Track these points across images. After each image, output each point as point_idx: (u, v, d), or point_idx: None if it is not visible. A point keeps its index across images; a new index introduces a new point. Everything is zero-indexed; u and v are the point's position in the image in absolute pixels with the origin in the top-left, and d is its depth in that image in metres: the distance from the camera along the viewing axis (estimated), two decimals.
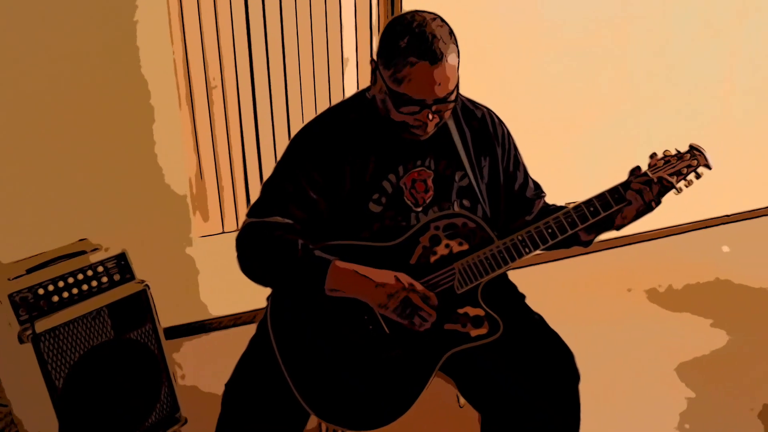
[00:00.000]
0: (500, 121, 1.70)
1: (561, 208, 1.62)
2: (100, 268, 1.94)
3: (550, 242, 1.53)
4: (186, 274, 2.78)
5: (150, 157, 2.61)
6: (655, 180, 1.51)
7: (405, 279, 1.46)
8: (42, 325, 1.79)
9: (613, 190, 1.52)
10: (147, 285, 2.00)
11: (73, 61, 2.41)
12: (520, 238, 1.52)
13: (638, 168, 1.54)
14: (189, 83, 2.66)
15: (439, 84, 1.42)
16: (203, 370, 2.57)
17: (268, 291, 1.59)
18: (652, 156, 1.56)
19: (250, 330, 1.67)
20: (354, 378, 1.51)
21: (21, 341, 1.76)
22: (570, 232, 1.53)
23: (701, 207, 3.87)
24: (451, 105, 1.49)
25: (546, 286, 3.13)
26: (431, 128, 1.51)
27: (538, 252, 1.54)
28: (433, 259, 1.53)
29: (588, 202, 1.53)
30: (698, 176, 1.55)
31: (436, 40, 1.40)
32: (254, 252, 1.51)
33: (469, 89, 1.69)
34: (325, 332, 1.51)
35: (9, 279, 1.81)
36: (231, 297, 2.80)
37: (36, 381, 1.78)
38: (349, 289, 1.46)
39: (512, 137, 1.72)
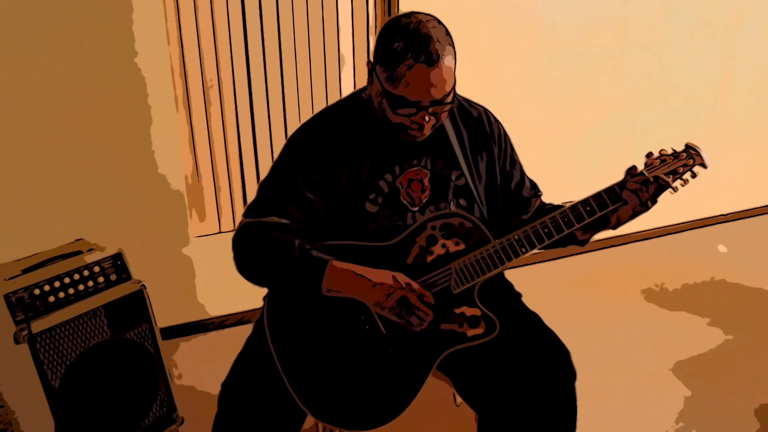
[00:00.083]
0: (496, 120, 1.70)
1: (557, 207, 1.62)
2: (97, 268, 1.94)
3: (547, 242, 1.53)
4: (183, 274, 2.78)
5: (147, 157, 2.60)
6: (651, 179, 1.51)
7: (402, 279, 1.46)
8: (38, 326, 1.78)
9: (610, 190, 1.53)
10: (143, 285, 1.99)
11: (70, 61, 2.41)
12: (516, 237, 1.52)
13: (634, 167, 1.54)
14: (186, 83, 2.65)
15: (436, 86, 1.42)
16: (200, 369, 2.57)
17: (264, 291, 1.59)
18: (648, 155, 1.56)
19: (247, 330, 1.67)
20: (350, 378, 1.50)
21: (17, 342, 1.75)
22: (566, 231, 1.53)
23: (697, 206, 3.87)
24: (448, 106, 1.49)
25: (542, 285, 3.13)
26: (428, 130, 1.51)
27: (534, 251, 1.54)
28: (429, 258, 1.53)
29: (584, 202, 1.53)
30: (694, 175, 1.55)
31: (433, 42, 1.40)
32: (251, 252, 1.50)
33: (465, 89, 1.70)
34: (322, 332, 1.51)
35: (5, 279, 1.81)
36: (228, 297, 2.80)
37: (32, 381, 1.77)
38: (346, 289, 1.46)
39: (508, 136, 1.72)
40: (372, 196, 1.56)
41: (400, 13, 1.52)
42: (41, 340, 1.79)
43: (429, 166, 1.60)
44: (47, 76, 2.39)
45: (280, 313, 1.53)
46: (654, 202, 1.52)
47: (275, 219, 1.50)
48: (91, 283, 1.92)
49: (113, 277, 1.97)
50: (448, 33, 1.46)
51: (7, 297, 1.77)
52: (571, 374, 1.56)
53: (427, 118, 1.46)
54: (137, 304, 1.98)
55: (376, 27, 2.89)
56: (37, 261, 1.90)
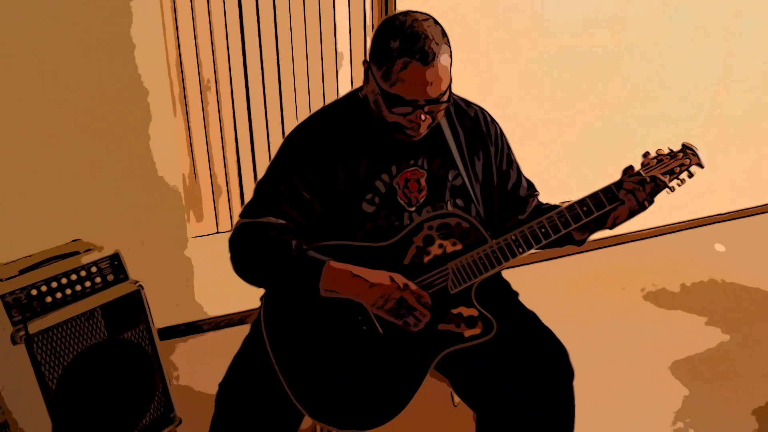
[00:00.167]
0: (493, 120, 1.70)
1: (554, 207, 1.62)
2: (94, 269, 1.93)
3: (544, 242, 1.53)
4: (180, 274, 2.77)
5: (144, 157, 2.60)
6: (648, 179, 1.51)
7: (399, 279, 1.46)
8: (35, 326, 1.78)
9: (606, 190, 1.52)
10: (141, 285, 1.99)
11: (67, 61, 2.40)
12: (513, 237, 1.52)
13: (631, 167, 1.54)
14: (183, 83, 2.64)
15: (432, 84, 1.42)
16: (197, 370, 2.56)
17: (261, 291, 1.59)
18: (645, 155, 1.56)
19: (244, 330, 1.67)
20: (348, 378, 1.50)
21: (14, 342, 1.75)
22: (563, 231, 1.53)
23: (695, 206, 3.87)
24: (444, 105, 1.49)
25: (539, 285, 3.13)
26: (424, 129, 1.51)
27: (531, 251, 1.54)
28: (426, 259, 1.53)
29: (581, 202, 1.53)
30: (691, 175, 1.55)
31: (429, 41, 1.40)
32: (248, 253, 1.50)
33: (462, 89, 1.69)
34: (319, 332, 1.51)
35: (2, 280, 1.80)
36: (225, 297, 2.79)
37: (29, 382, 1.77)
38: (343, 289, 1.46)
39: (505, 136, 1.72)
40: (369, 196, 1.56)
41: (397, 12, 1.51)
42: (38, 341, 1.79)
43: (426, 166, 1.60)
44: (44, 76, 2.38)
45: (278, 313, 1.53)
46: (651, 201, 1.52)
47: (272, 219, 1.50)
48: (88, 284, 1.92)
49: (110, 278, 1.96)
50: (444, 32, 1.46)
51: (3, 298, 1.76)
52: (568, 373, 1.56)
53: (423, 117, 1.46)
54: (134, 305, 1.98)
55: (373, 26, 2.89)
56: (34, 261, 1.90)
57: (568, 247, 1.68)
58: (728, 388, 2.45)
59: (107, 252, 1.98)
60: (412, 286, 1.47)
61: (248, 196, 1.57)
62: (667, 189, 1.53)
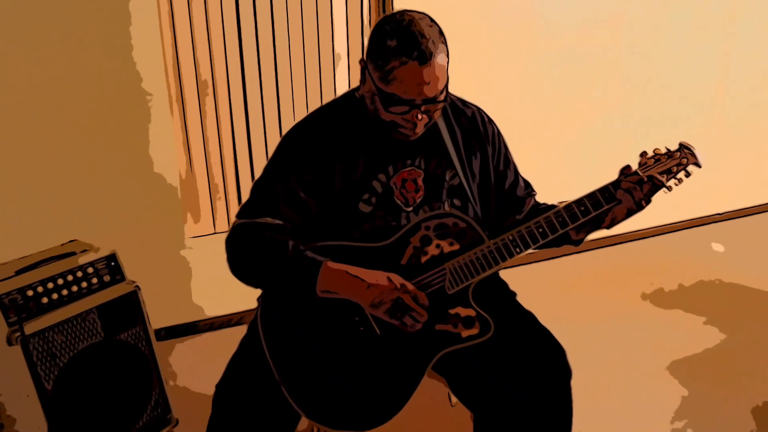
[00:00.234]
0: (490, 120, 1.70)
1: (551, 207, 1.62)
2: (90, 269, 1.93)
3: (541, 242, 1.53)
4: (177, 275, 2.77)
5: (141, 157, 2.60)
6: (645, 179, 1.51)
7: (397, 279, 1.46)
8: (31, 327, 1.78)
9: (604, 189, 1.52)
10: (137, 286, 1.99)
11: (63, 60, 2.40)
12: (510, 237, 1.52)
13: (628, 167, 1.54)
14: (180, 83, 2.64)
15: (429, 84, 1.42)
16: (195, 371, 2.56)
17: (258, 291, 1.59)
18: (642, 154, 1.56)
19: (242, 330, 1.66)
20: (345, 379, 1.50)
21: (10, 343, 1.75)
22: (560, 231, 1.53)
23: (693, 205, 3.87)
24: (441, 105, 1.49)
25: (537, 285, 3.11)
26: (420, 128, 1.51)
27: (529, 251, 1.54)
28: (423, 259, 1.52)
29: (578, 201, 1.52)
30: (688, 175, 1.55)
31: (425, 40, 1.40)
32: (244, 253, 1.50)
33: (459, 88, 1.69)
34: (316, 333, 1.50)
35: None
36: (222, 298, 2.78)
37: (25, 383, 1.76)
38: (340, 290, 1.46)
39: (502, 136, 1.72)
40: (366, 196, 1.56)
41: (394, 11, 1.51)
42: (34, 342, 1.78)
43: (423, 166, 1.59)
44: (41, 76, 2.38)
45: (274, 314, 1.52)
46: (648, 201, 1.52)
47: (269, 220, 1.50)
48: (84, 285, 1.91)
49: (107, 278, 1.96)
50: (441, 31, 1.46)
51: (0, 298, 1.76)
52: (566, 373, 1.55)
53: (419, 117, 1.46)
54: (131, 305, 1.98)
55: (370, 25, 2.89)
56: (30, 262, 1.90)
57: (565, 247, 1.68)
58: (727, 387, 2.44)
59: (104, 252, 1.98)
60: (410, 286, 1.47)
61: (245, 195, 1.57)
62: (664, 188, 1.53)
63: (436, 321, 1.52)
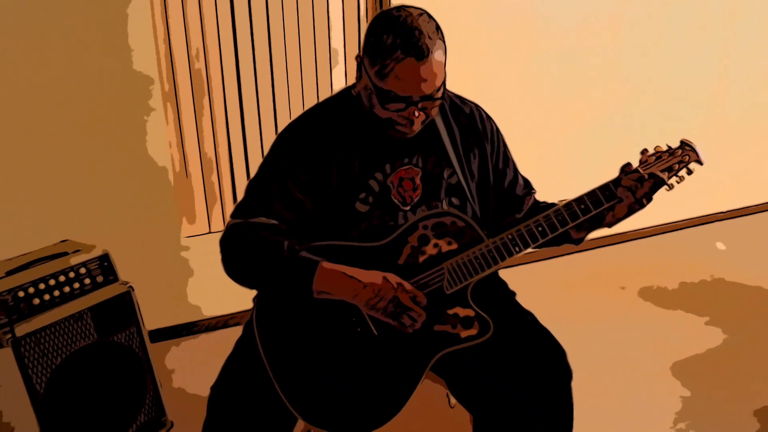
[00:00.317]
0: (488, 117, 1.69)
1: (551, 205, 1.60)
2: (83, 270, 1.93)
3: (541, 241, 1.51)
4: (172, 275, 2.76)
5: (135, 156, 2.59)
6: (646, 176, 1.49)
7: (393, 279, 1.45)
8: (22, 329, 1.77)
9: (604, 187, 1.51)
10: (131, 287, 1.99)
11: (55, 59, 2.39)
12: (509, 236, 1.50)
13: (629, 164, 1.52)
14: (174, 82, 2.63)
15: (426, 80, 1.41)
16: (189, 373, 2.55)
17: (254, 292, 1.57)
18: (643, 152, 1.54)
19: (237, 332, 1.65)
20: (342, 381, 1.49)
21: (0, 345, 1.74)
22: (560, 230, 1.51)
23: (695, 204, 3.87)
24: (438, 102, 1.48)
25: (537, 284, 3.12)
26: (417, 125, 1.49)
27: (528, 250, 1.52)
28: (421, 259, 1.51)
29: (578, 200, 1.51)
30: (690, 172, 1.53)
31: (423, 36, 1.39)
32: (239, 254, 1.49)
33: (458, 85, 1.68)
34: (312, 334, 1.49)
35: None
36: (218, 298, 2.78)
37: (17, 386, 1.75)
38: (336, 290, 1.45)
39: (501, 133, 1.70)
40: (362, 195, 1.54)
41: (391, 6, 1.50)
42: (25, 344, 1.77)
43: (420, 164, 1.58)
44: (34, 75, 2.36)
45: (270, 315, 1.51)
46: (649, 199, 1.50)
47: (263, 220, 1.49)
48: (77, 285, 1.91)
49: (100, 279, 1.96)
50: (438, 27, 1.45)
51: None
52: (566, 374, 1.54)
53: (416, 114, 1.45)
54: (124, 306, 1.97)
55: (367, 20, 2.88)
56: (21, 262, 1.89)
57: (565, 246, 1.66)
58: (729, 388, 2.43)
59: (97, 252, 1.97)
60: (407, 285, 1.45)
61: (241, 194, 1.57)
62: (665, 186, 1.51)
63: (434, 321, 1.50)
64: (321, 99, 1.81)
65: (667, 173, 1.50)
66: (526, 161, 1.82)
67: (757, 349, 2.69)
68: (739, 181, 3.96)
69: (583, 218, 1.50)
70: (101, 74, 2.46)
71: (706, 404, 2.35)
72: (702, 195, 3.55)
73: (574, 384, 1.54)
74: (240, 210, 1.53)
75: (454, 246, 1.51)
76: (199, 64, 2.65)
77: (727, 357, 2.64)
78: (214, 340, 2.82)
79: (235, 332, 1.65)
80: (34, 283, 1.83)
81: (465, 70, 2.17)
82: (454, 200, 1.60)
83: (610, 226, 1.57)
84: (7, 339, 1.73)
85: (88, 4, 2.39)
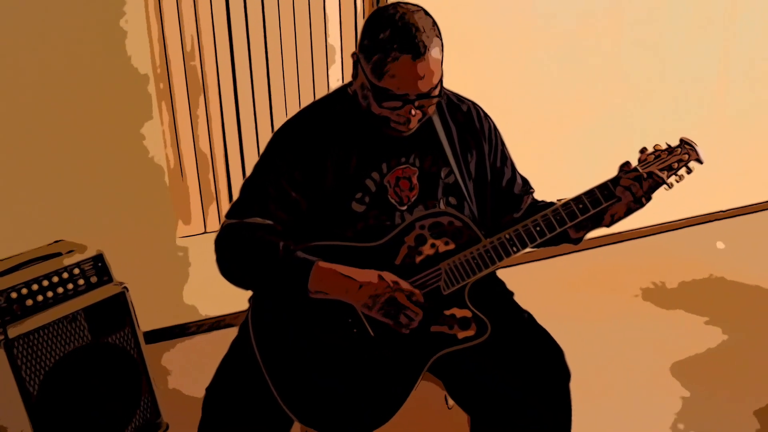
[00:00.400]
0: (486, 116, 1.68)
1: (550, 204, 1.59)
2: (77, 271, 1.92)
3: (539, 240, 1.50)
4: (167, 275, 2.75)
5: (129, 156, 2.58)
6: (645, 175, 1.48)
7: (389, 277, 1.44)
8: (15, 331, 1.76)
9: (603, 186, 1.49)
10: (125, 287, 1.98)
11: (48, 58, 2.38)
12: (507, 236, 1.49)
13: (628, 163, 1.51)
14: (169, 80, 2.62)
15: (423, 78, 1.39)
16: (185, 374, 2.55)
17: (250, 293, 1.56)
18: (642, 151, 1.53)
19: (233, 333, 1.64)
20: (338, 383, 1.48)
21: None
22: (558, 230, 1.50)
23: (694, 203, 3.87)
24: (435, 100, 1.47)
25: (535, 284, 3.11)
26: (414, 124, 1.48)
27: (526, 250, 1.51)
28: (418, 259, 1.50)
29: (577, 199, 1.50)
30: (689, 171, 1.52)
31: (419, 33, 1.38)
32: (234, 254, 1.48)
33: (456, 84, 1.67)
34: (308, 335, 1.48)
35: None
36: (214, 299, 2.77)
37: (9, 388, 1.74)
38: (332, 290, 1.44)
39: (499, 132, 1.69)
40: (359, 195, 1.53)
41: (388, 2, 1.48)
42: (18, 346, 1.76)
43: (417, 164, 1.57)
44: (25, 73, 2.36)
45: (266, 315, 1.50)
46: (648, 198, 1.49)
47: (258, 220, 1.48)
48: (70, 286, 1.90)
49: (94, 280, 1.95)
50: (435, 24, 1.44)
51: None
52: (565, 374, 1.53)
53: (413, 112, 1.43)
54: (119, 307, 1.97)
55: (364, 16, 2.87)
56: (14, 263, 1.88)
57: (564, 245, 1.65)
58: (729, 388, 2.42)
59: (91, 253, 1.96)
60: (403, 284, 1.44)
61: (237, 194, 1.57)
62: (665, 185, 1.49)
63: (431, 322, 1.49)
64: (317, 97, 1.80)
65: (666, 172, 1.49)
66: (525, 160, 1.81)
67: (757, 349, 2.68)
68: (739, 179, 3.96)
69: (581, 218, 1.49)
70: (95, 73, 2.45)
71: (705, 404, 2.34)
72: (701, 194, 3.55)
73: (572, 384, 1.53)
74: (235, 210, 1.52)
75: (452, 246, 1.50)
76: (194, 62, 2.64)
77: (726, 357, 2.63)
78: (209, 341, 2.81)
79: (231, 333, 1.64)
80: (28, 284, 1.82)
81: (464, 69, 2.17)
82: (452, 200, 1.59)
83: (608, 225, 1.56)
84: None
85: (81, 2, 2.37)
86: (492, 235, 1.50)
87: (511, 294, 1.73)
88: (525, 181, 1.73)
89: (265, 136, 2.79)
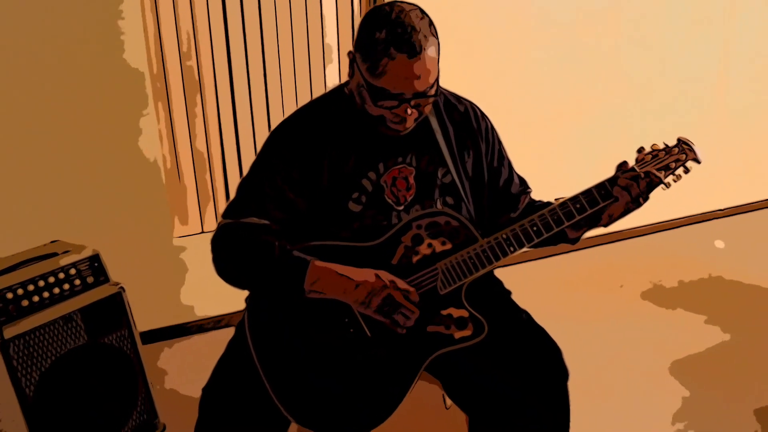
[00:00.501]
0: (483, 115, 1.67)
1: (547, 204, 1.59)
2: (73, 271, 1.91)
3: (536, 240, 1.50)
4: (164, 275, 2.74)
5: (126, 155, 2.57)
6: (642, 175, 1.47)
7: (385, 276, 1.44)
8: (11, 331, 1.75)
9: (600, 186, 1.49)
10: (122, 287, 1.97)
11: (43, 57, 2.37)
12: (504, 236, 1.49)
13: (625, 163, 1.51)
14: (165, 80, 2.62)
15: (419, 77, 1.39)
16: (182, 374, 2.54)
17: (247, 293, 1.56)
18: (640, 150, 1.52)
19: (230, 333, 1.64)
20: (334, 383, 1.47)
21: None
22: (556, 229, 1.49)
23: (693, 202, 3.86)
24: (432, 99, 1.46)
25: (533, 284, 3.10)
26: (410, 123, 1.48)
27: (523, 250, 1.51)
28: (415, 259, 1.50)
29: (574, 199, 1.49)
30: (687, 171, 1.51)
31: (416, 32, 1.37)
32: (230, 254, 1.48)
33: (454, 83, 1.66)
34: (304, 335, 1.48)
35: None
36: (211, 299, 2.75)
37: (5, 389, 1.74)
38: (328, 289, 1.43)
39: (496, 131, 1.69)
40: (355, 195, 1.53)
41: (385, 1, 1.48)
42: (14, 346, 1.76)
43: (414, 163, 1.57)
44: (20, 72, 2.35)
45: (262, 316, 1.50)
46: (646, 198, 1.49)
47: (255, 220, 1.48)
48: (66, 286, 1.90)
49: (90, 280, 1.94)
50: (431, 23, 1.43)
51: None
52: (563, 373, 1.53)
53: (409, 111, 1.43)
54: (115, 308, 1.96)
55: (361, 15, 2.86)
56: (10, 263, 1.88)
57: (561, 245, 1.65)
58: (729, 388, 2.42)
59: (87, 253, 1.96)
60: (400, 283, 1.44)
61: (234, 193, 1.56)
62: (662, 185, 1.49)
63: (428, 322, 1.49)
64: (314, 97, 1.80)
65: (663, 172, 1.49)
66: (523, 159, 1.80)
67: (757, 348, 2.67)
68: (738, 178, 3.95)
69: (578, 217, 1.49)
70: (91, 72, 2.44)
71: (705, 404, 2.34)
72: (700, 192, 3.54)
73: (571, 384, 1.53)
74: (231, 210, 1.52)
75: (448, 246, 1.50)
76: (191, 62, 2.63)
77: (726, 356, 2.63)
78: (206, 341, 2.80)
79: (228, 333, 1.64)
80: (23, 285, 1.81)
81: (462, 69, 2.16)
82: (449, 199, 1.58)
83: (606, 225, 1.56)
84: None
85: (77, 1, 2.37)
86: (489, 235, 1.50)
87: (509, 293, 1.73)
88: (522, 181, 1.73)
89: (262, 136, 2.77)
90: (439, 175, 1.58)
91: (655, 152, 1.51)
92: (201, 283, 2.42)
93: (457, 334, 1.49)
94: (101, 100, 2.49)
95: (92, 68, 2.44)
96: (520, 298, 1.71)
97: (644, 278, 3.28)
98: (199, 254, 2.21)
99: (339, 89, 1.61)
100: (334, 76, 2.90)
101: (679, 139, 1.52)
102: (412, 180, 1.56)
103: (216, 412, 1.50)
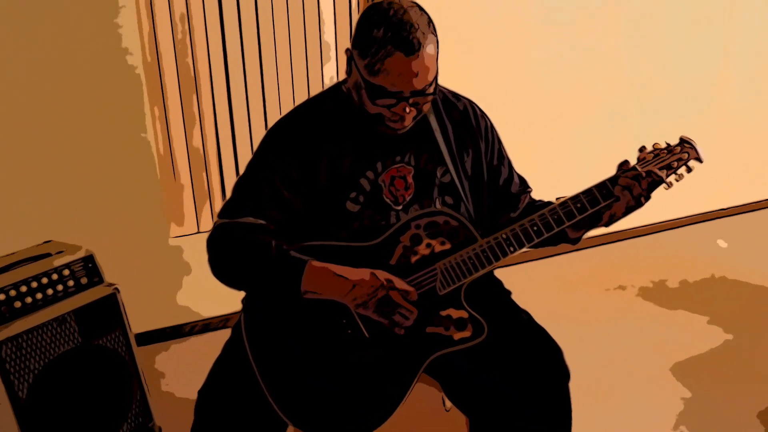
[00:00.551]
0: (483, 114, 1.66)
1: (547, 204, 1.58)
2: (66, 272, 1.90)
3: (536, 240, 1.49)
4: (159, 276, 2.74)
5: (120, 155, 2.56)
6: (644, 174, 1.46)
7: (383, 276, 1.43)
8: (3, 333, 1.74)
9: (601, 186, 1.48)
10: (116, 288, 1.96)
11: (38, 57, 2.36)
12: (504, 236, 1.48)
13: (626, 162, 1.50)
14: (161, 80, 2.61)
15: (417, 75, 1.38)
16: (178, 376, 2.54)
17: (243, 294, 1.55)
18: (641, 149, 1.51)
19: (227, 334, 1.63)
20: (332, 386, 1.46)
21: None
22: (556, 229, 1.48)
23: (695, 201, 3.86)
24: (430, 97, 1.45)
25: (534, 284, 3.10)
26: (409, 121, 1.47)
27: (524, 250, 1.50)
28: (414, 259, 1.49)
29: (575, 198, 1.48)
30: (689, 170, 1.50)
31: (414, 30, 1.37)
32: (226, 254, 1.47)
33: (454, 82, 1.66)
34: (302, 337, 1.47)
35: None
36: (207, 300, 2.77)
37: None
38: (325, 290, 1.43)
39: (496, 130, 1.68)
40: (353, 194, 1.52)
41: None
42: (6, 349, 1.74)
43: (413, 162, 1.56)
44: (15, 72, 2.34)
45: (259, 317, 1.49)
46: (647, 198, 1.48)
47: (251, 220, 1.47)
48: (60, 287, 1.89)
49: (84, 281, 1.93)
50: (430, 21, 1.42)
51: None
52: (564, 374, 1.52)
53: (407, 110, 1.42)
54: (110, 309, 1.95)
55: (359, 12, 2.85)
56: (2, 264, 1.87)
57: (562, 245, 1.64)
58: (732, 389, 2.41)
59: (81, 254, 1.95)
60: (398, 282, 1.43)
61: (230, 193, 1.57)
62: (664, 184, 1.48)
63: (426, 323, 1.48)
64: (312, 95, 1.79)
65: (665, 171, 1.48)
66: (524, 159, 1.80)
67: (759, 349, 2.67)
68: (740, 177, 3.95)
69: (579, 217, 1.48)
70: (85, 71, 2.44)
71: (707, 406, 2.33)
72: (703, 192, 3.54)
73: (572, 384, 1.52)
74: (227, 209, 1.51)
75: (448, 246, 1.49)
76: (187, 60, 2.62)
77: (728, 357, 2.62)
78: (203, 342, 2.80)
79: (225, 334, 1.63)
80: (16, 286, 1.80)
81: (462, 67, 2.15)
82: (448, 199, 1.58)
83: (607, 225, 1.54)
84: None
85: (76, 5, 2.37)
86: (489, 235, 1.49)
87: (509, 293, 1.72)
88: (522, 180, 1.72)
89: (259, 135, 2.77)
90: (438, 174, 1.57)
91: (656, 151, 1.50)
92: (197, 283, 2.42)
93: (457, 335, 1.48)
94: (95, 99, 2.48)
95: (87, 67, 2.43)
96: (520, 298, 1.70)
97: (645, 278, 3.28)
98: (195, 255, 2.21)
99: (337, 87, 1.60)
100: (331, 74, 2.89)
101: (681, 138, 1.52)
102: (410, 179, 1.55)
103: (212, 414, 1.49)
